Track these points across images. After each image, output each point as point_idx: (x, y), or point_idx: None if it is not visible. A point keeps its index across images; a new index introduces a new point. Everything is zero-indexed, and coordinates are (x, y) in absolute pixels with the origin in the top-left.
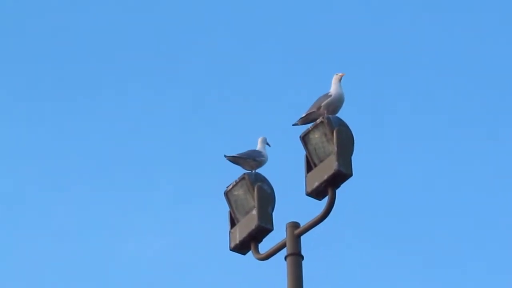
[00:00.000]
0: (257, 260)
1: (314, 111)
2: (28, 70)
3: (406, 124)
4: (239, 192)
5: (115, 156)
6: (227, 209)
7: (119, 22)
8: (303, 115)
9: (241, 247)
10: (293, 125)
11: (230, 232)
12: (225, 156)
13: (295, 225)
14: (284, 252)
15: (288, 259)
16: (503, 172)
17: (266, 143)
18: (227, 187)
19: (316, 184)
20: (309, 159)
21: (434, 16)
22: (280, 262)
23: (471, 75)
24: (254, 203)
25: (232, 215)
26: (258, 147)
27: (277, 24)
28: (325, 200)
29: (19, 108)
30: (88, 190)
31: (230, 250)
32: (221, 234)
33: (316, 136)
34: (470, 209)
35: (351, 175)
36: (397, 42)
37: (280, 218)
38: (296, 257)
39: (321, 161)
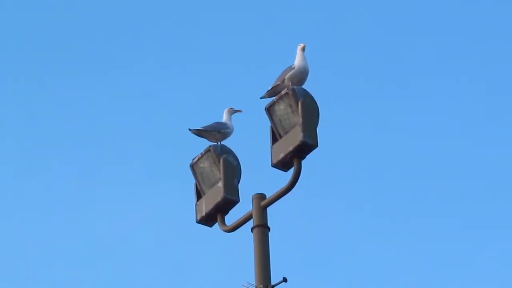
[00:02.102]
0: (224, 232)
1: (279, 84)
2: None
3: (371, 92)
4: (204, 164)
5: (85, 131)
6: (193, 181)
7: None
8: (269, 88)
9: (208, 219)
10: (260, 98)
11: (196, 204)
12: (189, 129)
13: (261, 196)
14: (250, 223)
15: (254, 230)
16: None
17: (232, 113)
18: (193, 159)
19: (282, 155)
20: (275, 130)
21: None
22: (246, 234)
23: (441, 34)
24: (220, 175)
25: (198, 187)
26: (224, 118)
27: None
28: (291, 171)
29: None
30: (58, 164)
31: (197, 222)
32: (188, 207)
33: (281, 108)
34: (437, 172)
35: (316, 146)
36: (360, 8)
37: (246, 190)
38: (262, 229)
39: (286, 132)
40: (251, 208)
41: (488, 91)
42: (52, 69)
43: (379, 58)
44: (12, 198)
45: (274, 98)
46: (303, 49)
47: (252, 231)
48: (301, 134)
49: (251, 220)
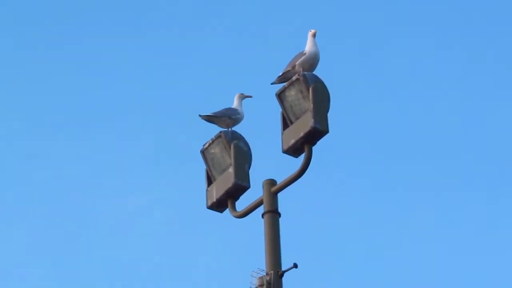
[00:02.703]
0: (234, 218)
1: (289, 70)
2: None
3: (382, 80)
4: (215, 150)
5: (92, 115)
6: (204, 167)
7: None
8: (280, 74)
9: (218, 205)
10: (271, 84)
11: (207, 190)
12: (200, 115)
13: (272, 182)
14: (261, 209)
15: (265, 216)
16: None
17: (243, 98)
18: (204, 145)
19: (293, 141)
20: (285, 116)
21: None
22: (257, 220)
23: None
24: (231, 161)
25: (209, 173)
26: (234, 104)
27: None
28: (302, 157)
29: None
30: (65, 149)
31: (207, 208)
32: (198, 192)
33: (292, 94)
34: (452, 157)
35: (327, 132)
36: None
37: (257, 176)
38: (273, 215)
39: (297, 118)
40: (261, 194)
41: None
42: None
43: (390, 45)
44: (16, 180)
45: (285, 84)
46: (314, 35)
47: (262, 217)
48: (312, 120)
49: (262, 206)
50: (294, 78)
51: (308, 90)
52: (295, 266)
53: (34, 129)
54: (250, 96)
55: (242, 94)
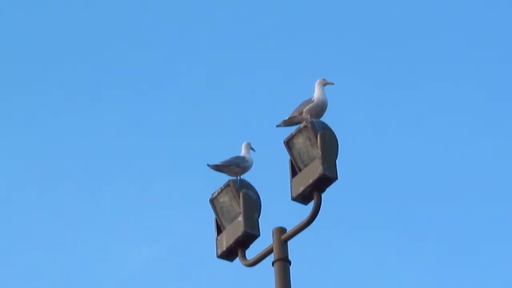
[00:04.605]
0: (245, 267)
1: (296, 116)
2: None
3: (391, 126)
4: (224, 199)
5: (105, 163)
6: (214, 216)
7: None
8: (286, 118)
9: (228, 254)
10: (276, 126)
11: (217, 239)
12: (208, 165)
13: (282, 230)
14: (271, 257)
15: (275, 264)
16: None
17: (250, 148)
18: (212, 194)
19: (302, 188)
20: (294, 163)
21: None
22: (267, 268)
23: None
24: (240, 209)
25: (219, 222)
26: (242, 152)
27: (261, 26)
28: (311, 204)
29: (10, 107)
30: (78, 195)
31: (217, 257)
32: (209, 241)
33: (300, 141)
34: (460, 212)
35: (336, 178)
36: (378, 50)
37: (267, 224)
38: (283, 262)
39: (305, 165)
40: (271, 242)
41: None
42: (81, 92)
43: (398, 90)
44: (28, 226)
45: (292, 131)
46: (324, 83)
47: (273, 265)
48: (321, 167)
49: (272, 254)
50: (302, 125)
51: (316, 137)
52: None
53: (43, 174)
54: (254, 150)
55: (249, 143)
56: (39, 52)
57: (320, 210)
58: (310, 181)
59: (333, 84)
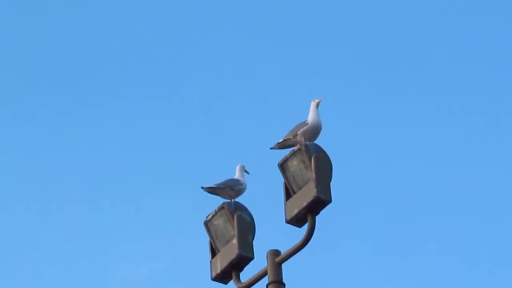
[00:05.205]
0: None
1: (290, 138)
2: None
3: (385, 147)
4: (219, 221)
5: (100, 182)
6: (208, 239)
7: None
8: (280, 140)
9: (223, 277)
10: (270, 148)
11: (211, 261)
12: (202, 187)
13: (276, 253)
14: (265, 280)
15: (269, 287)
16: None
17: (244, 170)
18: (207, 217)
19: (296, 211)
20: (288, 186)
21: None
22: None
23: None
24: (234, 232)
25: (213, 244)
26: (237, 175)
27: (254, 46)
28: (305, 227)
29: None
30: (74, 214)
31: (212, 279)
32: (203, 263)
33: (294, 164)
34: (457, 230)
35: (330, 201)
36: (371, 65)
37: (261, 246)
38: (277, 285)
39: (300, 188)
40: (265, 264)
41: None
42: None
43: (392, 110)
44: (24, 246)
45: (287, 154)
46: (317, 105)
47: (267, 287)
48: (315, 189)
49: (266, 277)
50: (296, 148)
51: (310, 160)
52: None
53: (43, 190)
54: (248, 173)
55: (243, 166)
56: (39, 52)
57: (314, 232)
58: (304, 203)
59: (321, 100)
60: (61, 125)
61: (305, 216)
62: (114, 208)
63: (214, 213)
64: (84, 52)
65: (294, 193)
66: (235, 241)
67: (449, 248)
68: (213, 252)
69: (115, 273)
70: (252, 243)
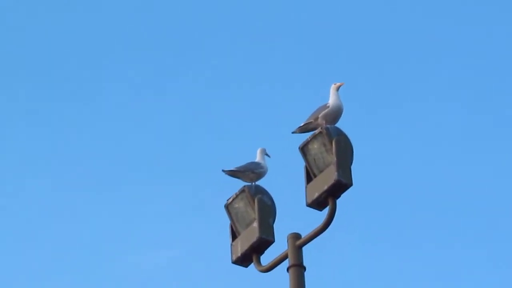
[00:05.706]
0: (260, 272)
1: (311, 122)
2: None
3: (406, 131)
4: (239, 204)
5: (115, 169)
6: (229, 222)
7: (117, 22)
8: (301, 124)
9: (243, 260)
10: (292, 132)
11: (231, 245)
12: (223, 170)
13: (297, 236)
14: (286, 263)
15: (290, 270)
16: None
17: (265, 154)
18: (227, 200)
19: (317, 194)
20: (309, 169)
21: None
22: (282, 274)
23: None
24: (255, 215)
25: (233, 228)
26: (257, 158)
27: (275, 31)
28: (326, 210)
29: (23, 120)
30: (88, 202)
31: (232, 263)
32: (223, 247)
33: (315, 147)
34: (473, 213)
35: (351, 184)
36: (395, 53)
37: (281, 230)
38: (298, 268)
39: (320, 171)
40: (286, 247)
41: None
42: (86, 99)
43: (412, 96)
44: (39, 233)
45: (307, 137)
46: (338, 88)
47: (288, 271)
48: (336, 173)
49: (287, 260)
50: (317, 131)
51: (331, 143)
52: None
53: (62, 183)
54: (269, 156)
55: (264, 149)
56: (39, 52)
57: (335, 216)
58: (325, 187)
59: (343, 84)
60: (69, 106)
61: (326, 200)
62: (132, 195)
63: (235, 196)
64: (84, 52)
65: (315, 176)
66: (255, 224)
67: (476, 234)
68: (234, 235)
69: (139, 259)
70: (272, 226)
